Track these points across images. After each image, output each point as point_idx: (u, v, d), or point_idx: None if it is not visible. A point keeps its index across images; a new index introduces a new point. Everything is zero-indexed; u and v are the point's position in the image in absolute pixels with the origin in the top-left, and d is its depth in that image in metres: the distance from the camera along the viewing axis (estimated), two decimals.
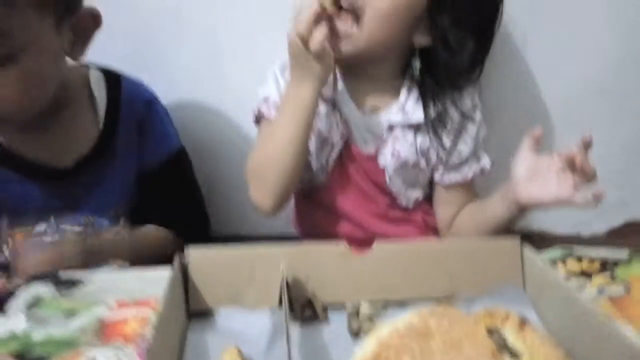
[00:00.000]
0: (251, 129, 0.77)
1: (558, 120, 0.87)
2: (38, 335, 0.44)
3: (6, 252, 0.65)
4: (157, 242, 0.71)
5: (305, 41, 0.59)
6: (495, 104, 0.79)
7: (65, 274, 0.52)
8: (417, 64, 0.68)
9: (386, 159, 0.70)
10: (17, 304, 0.48)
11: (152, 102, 0.73)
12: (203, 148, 0.87)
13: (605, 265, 0.57)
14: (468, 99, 0.70)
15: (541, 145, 0.62)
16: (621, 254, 0.58)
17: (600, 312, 0.41)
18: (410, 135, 0.69)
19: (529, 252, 0.50)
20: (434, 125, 0.69)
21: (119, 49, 0.78)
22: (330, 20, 0.61)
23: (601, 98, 0.86)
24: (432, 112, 0.68)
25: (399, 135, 0.69)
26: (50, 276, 0.52)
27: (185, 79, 0.85)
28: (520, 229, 0.67)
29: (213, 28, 0.82)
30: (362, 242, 0.51)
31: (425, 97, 0.69)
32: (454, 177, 0.72)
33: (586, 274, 0.56)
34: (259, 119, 0.72)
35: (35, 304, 0.48)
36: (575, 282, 0.54)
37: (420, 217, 0.76)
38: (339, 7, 0.61)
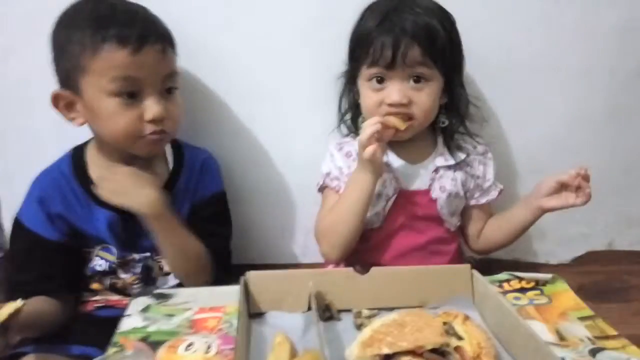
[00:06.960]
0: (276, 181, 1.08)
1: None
2: (152, 328, 0.67)
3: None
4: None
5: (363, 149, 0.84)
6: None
7: (158, 290, 0.76)
8: (444, 118, 0.95)
9: (436, 193, 0.95)
10: (134, 309, 0.71)
11: (208, 157, 0.98)
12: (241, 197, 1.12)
13: (537, 284, 0.81)
14: (479, 146, 1.00)
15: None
16: (548, 277, 0.81)
17: (516, 314, 0.64)
18: (450, 172, 0.96)
19: (476, 274, 0.74)
20: (467, 162, 0.97)
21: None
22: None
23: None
24: (462, 155, 0.96)
25: (442, 175, 0.95)
26: (149, 292, 0.76)
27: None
28: (502, 258, 0.90)
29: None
30: (364, 268, 0.75)
31: (451, 146, 0.97)
32: (486, 198, 1.00)
33: (523, 290, 0.80)
34: (322, 189, 0.98)
35: (146, 309, 0.71)
36: (514, 295, 0.77)
37: (454, 248, 0.99)
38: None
